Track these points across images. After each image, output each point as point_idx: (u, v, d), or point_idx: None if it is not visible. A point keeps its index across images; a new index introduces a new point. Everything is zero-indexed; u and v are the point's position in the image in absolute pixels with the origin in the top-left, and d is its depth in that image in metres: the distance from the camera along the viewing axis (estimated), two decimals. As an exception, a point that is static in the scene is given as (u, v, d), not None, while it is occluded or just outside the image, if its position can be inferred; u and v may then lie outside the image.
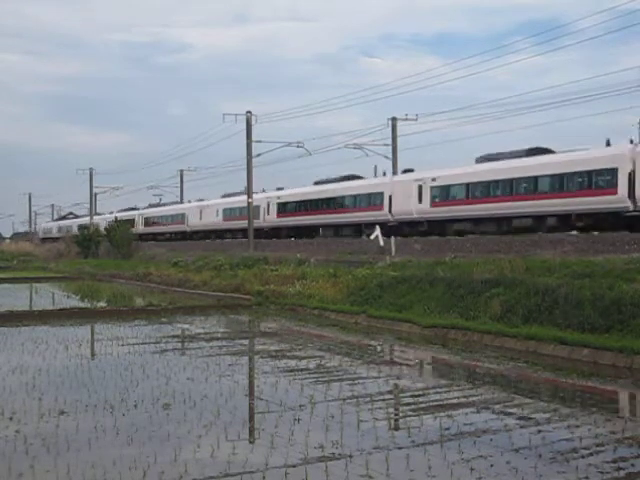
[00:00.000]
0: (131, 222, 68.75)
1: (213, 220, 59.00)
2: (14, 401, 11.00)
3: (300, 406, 10.62)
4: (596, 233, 26.75)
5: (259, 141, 47.53)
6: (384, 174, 44.22)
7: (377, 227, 34.25)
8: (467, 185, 34.79)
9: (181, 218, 65.97)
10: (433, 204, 36.67)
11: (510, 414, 10.38)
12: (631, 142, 28.91)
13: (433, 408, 10.70)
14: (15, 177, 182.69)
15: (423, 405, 10.95)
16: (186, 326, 22.16)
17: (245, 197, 48.13)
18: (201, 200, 66.26)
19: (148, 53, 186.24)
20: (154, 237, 68.84)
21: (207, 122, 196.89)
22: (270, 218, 50.60)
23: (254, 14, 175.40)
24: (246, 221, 46.95)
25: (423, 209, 37.25)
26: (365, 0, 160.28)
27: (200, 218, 61.52)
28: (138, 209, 79.06)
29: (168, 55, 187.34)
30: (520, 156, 33.21)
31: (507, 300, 18.37)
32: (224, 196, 61.49)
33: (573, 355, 15.02)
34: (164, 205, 75.88)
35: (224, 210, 57.65)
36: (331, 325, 21.67)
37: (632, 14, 52.40)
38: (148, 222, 73.14)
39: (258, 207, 49.71)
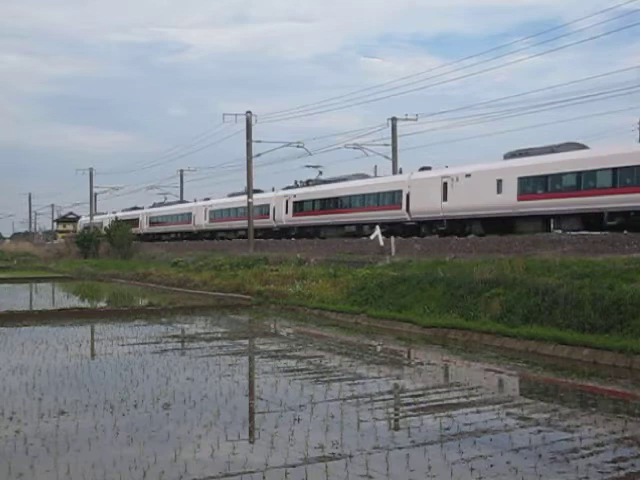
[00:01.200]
0: (264, 208, 48.42)
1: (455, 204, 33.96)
2: (14, 401, 10.99)
3: (300, 406, 10.61)
4: (597, 233, 26.76)
5: (259, 141, 47.52)
6: None
7: (377, 227, 34.14)
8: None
9: (394, 199, 38.71)
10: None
11: (510, 414, 10.38)
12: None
13: (433, 408, 10.70)
14: (15, 177, 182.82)
15: (423, 405, 10.95)
16: (186, 326, 22.16)
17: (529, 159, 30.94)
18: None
19: (148, 53, 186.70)
20: (317, 232, 43.61)
21: (207, 122, 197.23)
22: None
23: (254, 15, 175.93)
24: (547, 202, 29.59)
25: None
26: (365, 0, 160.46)
27: (407, 206, 37.48)
28: (263, 191, 51.11)
29: (168, 55, 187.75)
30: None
31: (507, 300, 18.37)
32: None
33: (573, 355, 15.02)
34: (325, 182, 46.34)
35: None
36: (331, 325, 21.68)
37: (632, 14, 52.49)
38: (301, 207, 46.07)
39: (561, 176, 29.13)
